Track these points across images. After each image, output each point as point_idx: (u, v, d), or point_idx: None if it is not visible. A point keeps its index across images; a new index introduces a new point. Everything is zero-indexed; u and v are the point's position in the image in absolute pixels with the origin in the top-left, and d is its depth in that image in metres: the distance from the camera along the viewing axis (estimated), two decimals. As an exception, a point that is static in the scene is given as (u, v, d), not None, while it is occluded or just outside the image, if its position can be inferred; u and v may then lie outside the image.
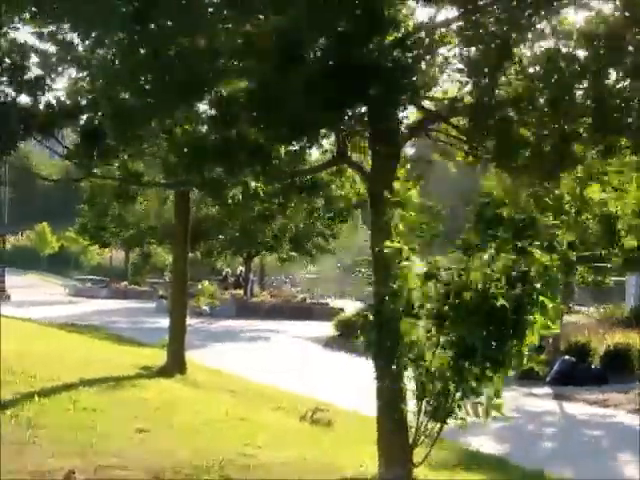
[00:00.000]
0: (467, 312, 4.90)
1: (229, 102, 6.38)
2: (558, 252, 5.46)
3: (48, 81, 7.53)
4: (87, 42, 6.32)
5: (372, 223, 6.47)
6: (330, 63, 5.66)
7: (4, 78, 6.56)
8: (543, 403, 12.51)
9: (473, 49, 5.65)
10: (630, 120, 5.56)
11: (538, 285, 4.53)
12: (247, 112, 6.31)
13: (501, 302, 4.61)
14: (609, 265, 9.65)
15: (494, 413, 5.14)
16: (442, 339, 4.90)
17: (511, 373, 5.14)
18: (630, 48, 5.33)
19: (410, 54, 5.95)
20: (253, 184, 8.01)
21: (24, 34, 7.62)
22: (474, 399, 4.87)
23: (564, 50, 5.65)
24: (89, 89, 7.78)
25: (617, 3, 5.33)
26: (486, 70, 5.80)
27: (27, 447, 5.74)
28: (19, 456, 5.37)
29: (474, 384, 4.91)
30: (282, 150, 7.13)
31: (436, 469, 6.64)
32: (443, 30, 5.96)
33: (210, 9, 5.02)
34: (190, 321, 12.66)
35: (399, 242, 5.15)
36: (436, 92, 6.67)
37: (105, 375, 9.68)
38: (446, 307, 4.76)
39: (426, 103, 6.72)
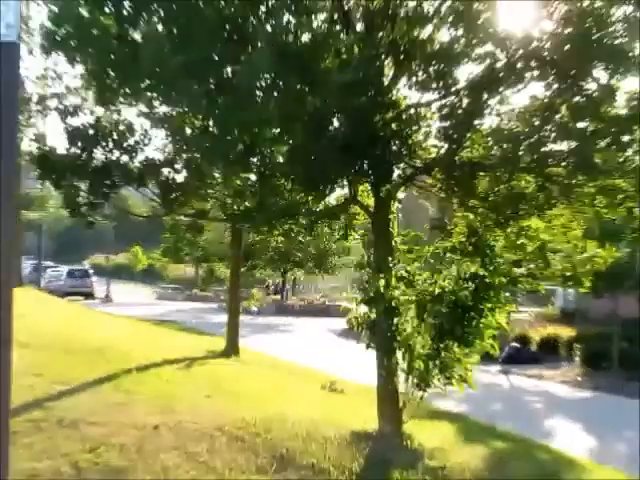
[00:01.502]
0: (441, 303, 6.20)
1: (273, 163, 7.42)
2: (504, 270, 6.52)
3: (141, 145, 8.71)
4: (173, 114, 7.44)
5: (375, 244, 7.50)
6: (346, 133, 6.43)
7: (111, 144, 7.90)
8: (495, 377, 14.88)
9: (447, 123, 6.92)
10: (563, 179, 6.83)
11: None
12: (286, 168, 7.27)
13: (463, 295, 5.95)
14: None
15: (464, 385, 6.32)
16: (423, 327, 6.17)
17: (476, 358, 6.52)
18: (557, 117, 6.49)
19: (404, 127, 7.12)
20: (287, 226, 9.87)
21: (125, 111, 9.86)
22: (448, 374, 6.20)
23: (511, 123, 6.94)
24: (171, 151, 9.26)
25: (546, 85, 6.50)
26: (455, 137, 6.56)
27: (127, 407, 6.59)
28: (121, 414, 6.23)
29: (448, 363, 6.11)
30: (310, 198, 7.94)
31: (419, 423, 7.46)
32: (426, 109, 7.32)
33: (260, 92, 6.18)
34: (242, 317, 14.71)
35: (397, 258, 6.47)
36: (421, 154, 7.40)
37: (181, 356, 11.05)
38: (427, 300, 6.26)
39: (414, 161, 8.03)
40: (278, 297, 32.12)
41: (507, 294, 6.96)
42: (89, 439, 5.61)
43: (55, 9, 7.02)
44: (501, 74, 6.15)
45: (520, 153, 6.29)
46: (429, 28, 6.30)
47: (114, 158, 8.50)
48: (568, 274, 7.24)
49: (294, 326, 24.44)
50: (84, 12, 6.41)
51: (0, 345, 2.43)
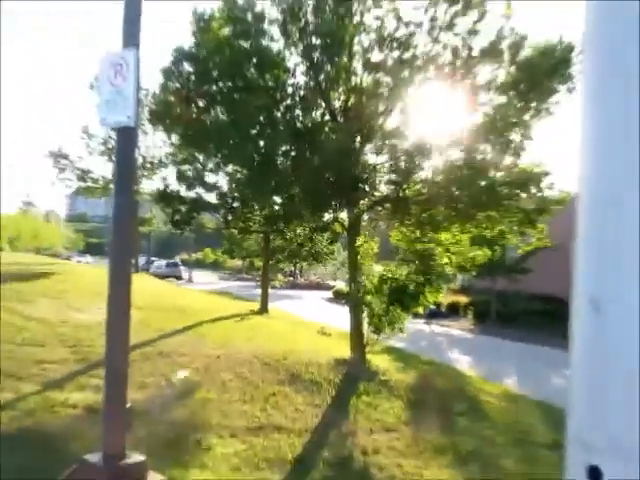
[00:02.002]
0: (395, 287, 9.37)
1: (291, 195, 9.59)
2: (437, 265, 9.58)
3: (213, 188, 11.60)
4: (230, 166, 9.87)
5: (348, 249, 9.87)
6: (333, 180, 8.77)
7: (198, 187, 11.11)
8: (421, 326, 19.00)
9: (394, 176, 9.25)
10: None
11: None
12: (297, 201, 9.55)
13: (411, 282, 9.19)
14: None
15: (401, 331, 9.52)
16: (379, 298, 9.27)
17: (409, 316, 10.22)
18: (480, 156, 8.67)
19: (367, 177, 9.24)
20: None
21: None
22: (393, 326, 9.49)
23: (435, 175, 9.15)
24: (229, 191, 12.05)
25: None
26: (398, 184, 9.02)
27: (200, 344, 9.07)
28: (197, 348, 8.69)
29: (393, 319, 9.33)
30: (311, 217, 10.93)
31: (375, 354, 10.25)
32: (381, 166, 9.47)
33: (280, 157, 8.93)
34: (270, 291, 18.37)
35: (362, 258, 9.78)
36: (377, 194, 9.80)
37: (233, 314, 14.37)
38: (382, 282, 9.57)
39: (372, 198, 10.06)
40: (291, 279, 42.89)
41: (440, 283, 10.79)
42: (178, 364, 8.30)
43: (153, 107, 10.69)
44: (428, 146, 8.33)
45: (437, 195, 8.46)
46: (383, 119, 8.54)
47: (198, 195, 10.96)
48: (463, 265, 10.30)
49: (300, 296, 32.50)
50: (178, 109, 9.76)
51: (122, 315, 4.06)
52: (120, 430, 4.55)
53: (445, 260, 8.96)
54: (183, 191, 9.76)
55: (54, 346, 8.42)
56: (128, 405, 4.64)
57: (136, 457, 4.58)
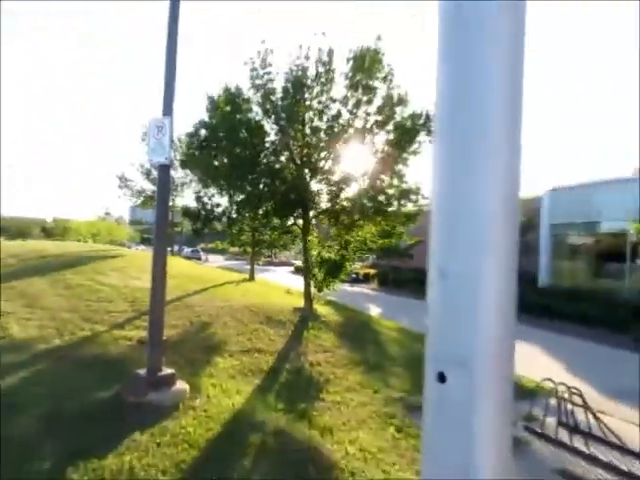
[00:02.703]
0: (328, 264, 12.13)
1: (267, 209, 12.11)
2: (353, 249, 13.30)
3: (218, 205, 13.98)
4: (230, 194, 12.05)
5: (303, 242, 12.35)
6: (293, 198, 11.22)
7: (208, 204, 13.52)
8: (346, 287, 22.66)
9: (330, 196, 11.68)
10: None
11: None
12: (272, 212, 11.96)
13: (339, 260, 12.96)
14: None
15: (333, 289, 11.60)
16: (320, 270, 12.93)
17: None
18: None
19: (314, 197, 11.67)
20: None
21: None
22: (329, 287, 12.85)
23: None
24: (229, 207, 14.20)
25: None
26: (333, 201, 11.60)
27: (211, 300, 10.81)
28: (209, 302, 10.50)
29: (329, 283, 13.18)
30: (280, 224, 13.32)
31: (319, 304, 12.54)
32: (321, 191, 12.08)
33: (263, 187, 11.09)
34: (255, 267, 22.10)
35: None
36: (320, 206, 12.29)
37: (232, 280, 16.82)
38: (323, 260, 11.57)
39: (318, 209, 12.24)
40: (270, 259, 49.90)
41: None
42: (196, 312, 9.64)
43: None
44: (348, 178, 11.30)
45: (354, 207, 11.21)
46: (323, 162, 11.36)
47: (210, 209, 13.46)
48: (371, 248, 12.06)
49: (275, 270, 38.96)
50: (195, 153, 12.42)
51: (160, 281, 5.56)
52: (159, 354, 5.45)
53: (359, 246, 11.90)
54: (199, 207, 13.31)
55: (119, 301, 9.79)
56: (164, 338, 5.77)
57: (168, 371, 5.49)
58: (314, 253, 11.87)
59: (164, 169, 5.73)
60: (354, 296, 20.54)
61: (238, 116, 10.28)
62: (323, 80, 10.15)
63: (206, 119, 11.67)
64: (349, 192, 11.65)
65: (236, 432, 4.58)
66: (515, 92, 0.89)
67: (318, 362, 7.91)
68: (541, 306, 14.86)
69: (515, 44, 0.89)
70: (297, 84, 9.99)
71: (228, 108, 10.36)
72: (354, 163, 11.39)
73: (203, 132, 11.37)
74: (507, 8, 0.88)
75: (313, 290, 12.01)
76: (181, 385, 5.56)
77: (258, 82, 10.58)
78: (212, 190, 12.28)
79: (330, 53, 10.03)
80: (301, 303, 11.98)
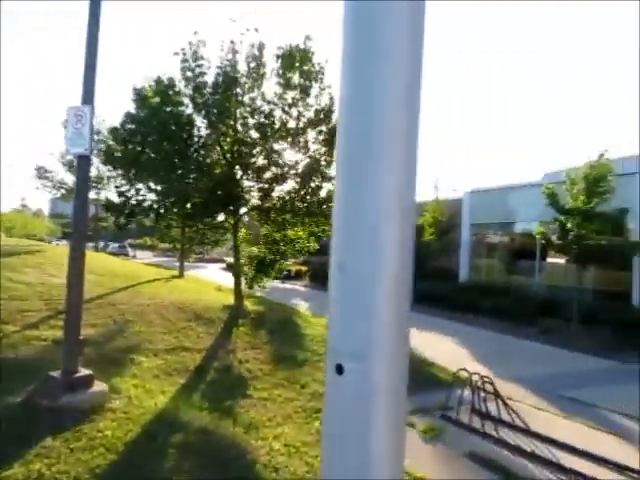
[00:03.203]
0: (258, 261, 12.66)
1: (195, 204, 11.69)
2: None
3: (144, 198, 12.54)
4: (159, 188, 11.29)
5: (233, 238, 12.19)
6: (221, 195, 11.07)
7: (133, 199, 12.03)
8: (277, 284, 21.60)
9: (261, 193, 11.68)
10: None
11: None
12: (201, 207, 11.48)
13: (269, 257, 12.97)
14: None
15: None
16: (249, 266, 12.97)
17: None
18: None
19: (244, 194, 11.42)
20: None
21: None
22: (259, 285, 12.81)
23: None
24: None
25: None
26: (263, 198, 11.51)
27: (137, 297, 10.50)
28: (134, 300, 10.16)
29: (258, 280, 13.22)
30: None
31: (249, 301, 12.50)
32: (251, 188, 11.88)
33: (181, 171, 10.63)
34: (186, 263, 22.07)
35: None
36: (251, 203, 12.15)
37: (160, 277, 16.20)
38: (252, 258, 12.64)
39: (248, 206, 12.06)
40: (201, 255, 48.43)
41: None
42: (121, 310, 9.32)
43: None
44: (280, 176, 11.21)
45: (285, 206, 11.20)
46: (254, 159, 11.22)
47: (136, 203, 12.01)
48: (300, 250, 12.14)
49: (206, 267, 37.47)
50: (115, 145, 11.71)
51: (78, 278, 5.29)
52: (75, 354, 5.24)
53: (289, 246, 12.05)
54: (123, 201, 12.52)
55: (34, 300, 9.27)
56: (83, 337, 5.58)
57: (85, 372, 5.28)
58: (245, 250, 11.41)
59: (84, 160, 5.50)
60: (285, 292, 20.70)
61: (168, 109, 9.86)
62: (255, 76, 10.00)
63: (133, 111, 11.05)
64: (282, 191, 11.67)
65: (158, 433, 4.43)
66: (413, 93, 0.93)
67: (247, 359, 7.92)
68: (460, 301, 15.75)
69: (414, 45, 0.92)
70: (228, 79, 9.79)
71: (157, 100, 9.88)
72: (287, 162, 11.40)
73: (129, 125, 10.74)
74: (406, 9, 0.91)
75: (244, 286, 12.00)
76: (99, 387, 5.34)
77: (189, 74, 10.25)
78: (138, 185, 11.59)
79: (261, 48, 9.89)
80: (232, 300, 11.93)
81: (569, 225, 11.95)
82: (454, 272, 20.04)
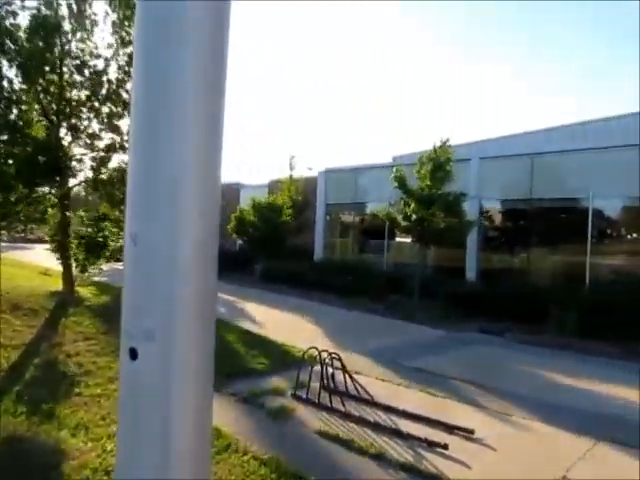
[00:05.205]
0: (88, 242, 12.27)
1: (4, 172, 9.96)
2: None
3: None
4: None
5: (60, 215, 11.46)
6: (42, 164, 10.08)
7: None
8: (119, 266, 18.97)
9: (94, 163, 11.29)
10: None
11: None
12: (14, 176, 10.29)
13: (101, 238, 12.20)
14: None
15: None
16: (80, 251, 12.06)
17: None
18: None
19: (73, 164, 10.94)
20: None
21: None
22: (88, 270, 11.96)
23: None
24: None
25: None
26: (95, 170, 11.09)
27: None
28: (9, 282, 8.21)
29: (87, 266, 12.13)
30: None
31: (85, 287, 12.21)
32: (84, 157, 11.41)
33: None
34: (4, 244, 19.54)
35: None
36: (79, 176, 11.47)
37: None
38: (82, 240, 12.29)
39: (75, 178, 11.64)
40: (23, 235, 37.40)
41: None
42: None
43: None
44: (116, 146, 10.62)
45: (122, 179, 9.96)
46: (87, 123, 10.51)
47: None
48: None
49: (33, 247, 33.51)
50: None
51: None
52: None
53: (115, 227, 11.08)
54: None
55: None
56: None
57: None
58: (78, 229, 11.20)
59: None
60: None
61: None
62: (83, 25, 8.98)
63: None
64: (121, 162, 11.15)
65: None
66: (217, 85, 0.91)
67: (77, 352, 7.50)
68: (315, 279, 16.56)
69: (217, 43, 0.93)
70: (48, 24, 8.63)
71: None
72: (125, 129, 10.67)
73: None
74: (209, 9, 0.90)
75: (75, 270, 11.45)
76: None
77: (-5, 14, 8.80)
78: None
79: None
80: (60, 286, 11.27)
81: (412, 207, 13.23)
82: (310, 251, 20.87)
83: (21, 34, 9.01)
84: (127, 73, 9.90)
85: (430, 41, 64.89)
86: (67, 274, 11.01)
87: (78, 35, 9.37)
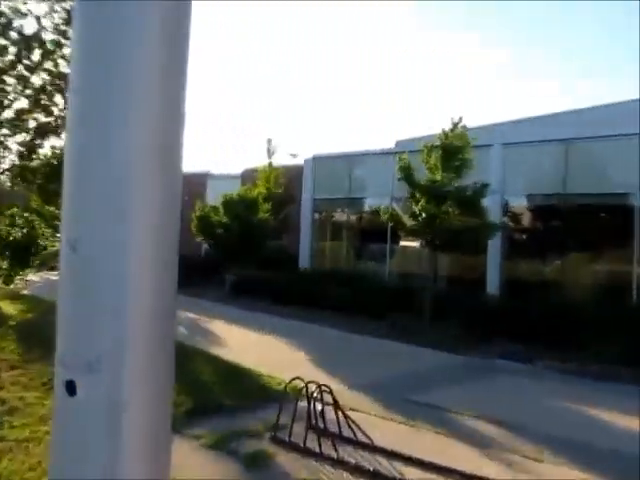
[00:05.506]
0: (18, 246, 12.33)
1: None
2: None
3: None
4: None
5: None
6: None
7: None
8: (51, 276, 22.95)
9: (23, 149, 11.55)
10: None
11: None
12: None
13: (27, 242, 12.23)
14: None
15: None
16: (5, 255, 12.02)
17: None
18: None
19: None
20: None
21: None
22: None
23: None
24: None
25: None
26: (25, 157, 11.42)
27: None
28: None
29: (17, 272, 12.18)
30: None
31: (8, 302, 12.17)
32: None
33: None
34: None
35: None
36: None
37: None
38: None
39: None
40: None
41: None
42: None
43: None
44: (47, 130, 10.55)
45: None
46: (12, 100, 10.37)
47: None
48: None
49: None
50: None
51: None
52: None
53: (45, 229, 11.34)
54: None
55: None
56: None
57: None
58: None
59: None
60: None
61: None
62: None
63: None
64: (55, 148, 11.15)
65: None
66: (178, 53, 0.94)
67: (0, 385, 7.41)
68: (300, 292, 16.45)
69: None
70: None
71: None
72: (59, 110, 10.73)
73: None
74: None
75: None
76: None
77: None
78: None
79: None
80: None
81: (421, 203, 13.16)
82: (293, 257, 20.76)
83: None
84: (65, 35, 9.76)
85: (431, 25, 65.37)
86: None
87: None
